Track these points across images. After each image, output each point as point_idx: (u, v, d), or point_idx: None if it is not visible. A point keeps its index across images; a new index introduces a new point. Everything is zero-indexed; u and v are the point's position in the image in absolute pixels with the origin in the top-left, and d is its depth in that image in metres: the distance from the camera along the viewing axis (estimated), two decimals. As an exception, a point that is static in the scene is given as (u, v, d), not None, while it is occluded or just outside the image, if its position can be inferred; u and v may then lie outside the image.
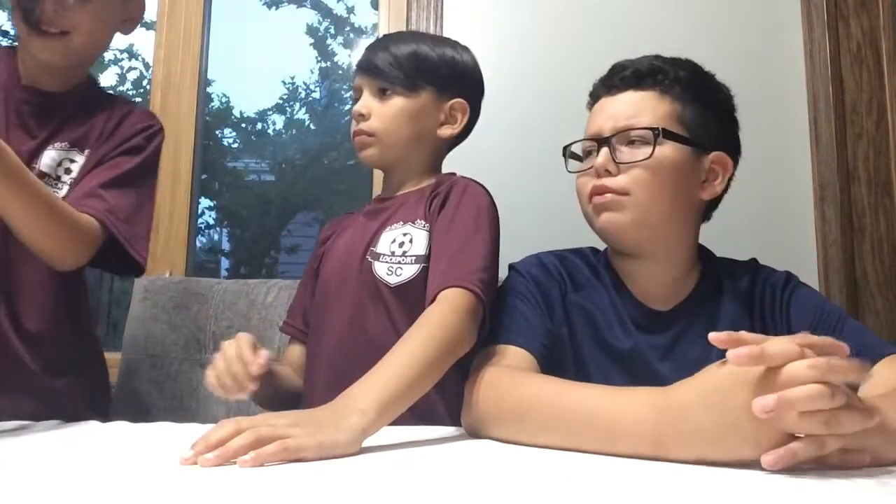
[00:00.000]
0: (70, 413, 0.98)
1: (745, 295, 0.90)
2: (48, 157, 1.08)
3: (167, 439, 0.72)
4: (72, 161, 1.10)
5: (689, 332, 0.88)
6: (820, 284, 1.58)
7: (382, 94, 1.05)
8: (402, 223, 1.01)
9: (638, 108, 0.89)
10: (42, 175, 1.06)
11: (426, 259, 0.96)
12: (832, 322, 0.85)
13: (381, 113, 1.04)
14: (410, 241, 0.99)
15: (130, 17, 1.15)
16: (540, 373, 0.81)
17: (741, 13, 1.68)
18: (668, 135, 0.86)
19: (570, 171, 0.95)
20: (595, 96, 0.96)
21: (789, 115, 1.64)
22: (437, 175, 1.09)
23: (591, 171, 0.90)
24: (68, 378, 1.11)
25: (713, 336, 0.57)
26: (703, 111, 0.90)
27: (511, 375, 0.77)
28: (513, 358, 0.82)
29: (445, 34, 1.70)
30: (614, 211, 0.87)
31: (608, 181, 0.87)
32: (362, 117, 1.05)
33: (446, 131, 1.07)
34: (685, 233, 0.92)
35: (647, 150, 0.86)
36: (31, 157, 1.06)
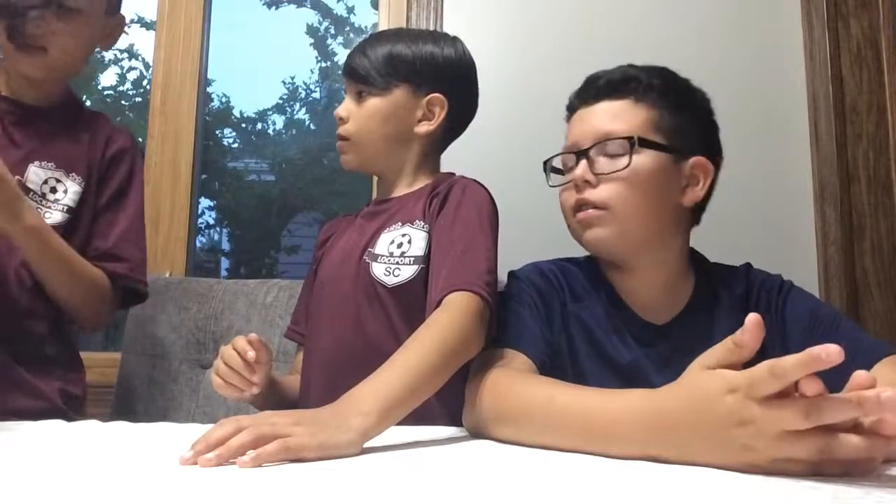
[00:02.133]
0: (43, 408, 1.03)
1: (740, 302, 0.90)
2: (33, 174, 1.12)
3: (167, 439, 0.72)
4: (58, 181, 1.14)
5: (686, 345, 0.87)
6: (820, 284, 1.58)
7: (359, 96, 1.05)
8: (400, 224, 1.01)
9: (614, 117, 0.88)
10: (27, 190, 1.10)
11: (425, 260, 0.96)
12: (827, 325, 0.84)
13: (357, 115, 1.05)
14: (409, 241, 0.98)
15: (111, 33, 1.19)
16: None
17: (741, 13, 1.68)
18: (644, 143, 0.86)
19: (551, 186, 0.95)
20: (571, 108, 0.96)
21: (789, 115, 1.64)
22: (435, 174, 1.08)
23: (571, 185, 0.90)
24: (43, 370, 1.11)
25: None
26: (680, 117, 0.90)
27: (510, 377, 0.78)
28: (513, 362, 0.82)
29: (445, 34, 1.70)
30: (598, 227, 0.88)
31: (589, 194, 0.87)
32: (342, 120, 1.06)
33: (423, 128, 1.05)
34: (672, 239, 0.92)
35: (624, 161, 0.86)
36: (15, 170, 1.09)
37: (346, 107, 1.06)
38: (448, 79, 1.07)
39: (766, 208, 1.59)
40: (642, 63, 0.94)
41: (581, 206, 0.88)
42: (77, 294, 1.10)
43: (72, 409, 1.14)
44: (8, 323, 1.08)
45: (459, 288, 0.84)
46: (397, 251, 0.98)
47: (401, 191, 1.07)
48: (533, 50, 1.70)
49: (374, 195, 1.17)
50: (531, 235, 1.53)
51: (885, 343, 0.82)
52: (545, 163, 0.96)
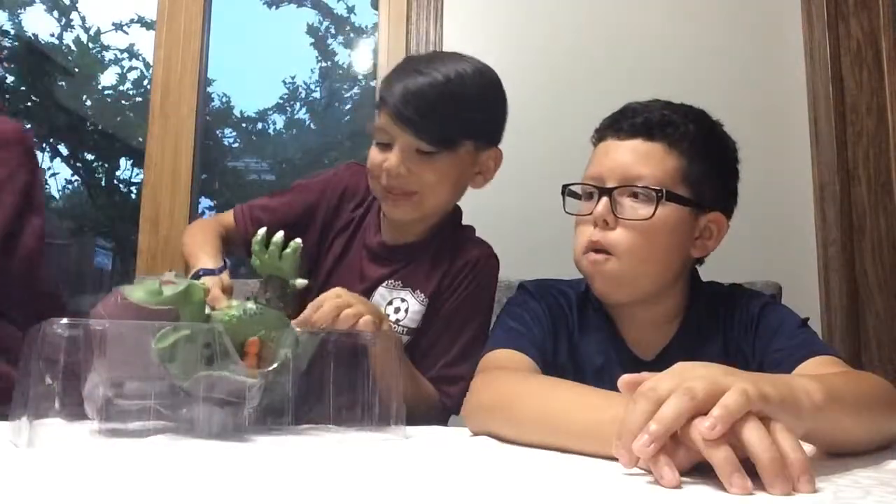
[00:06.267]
0: None
1: (724, 330, 0.91)
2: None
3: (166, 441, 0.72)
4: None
5: None
6: (820, 284, 1.59)
7: (424, 154, 0.94)
8: (401, 285, 1.00)
9: (645, 160, 0.86)
10: None
11: (416, 332, 0.98)
12: (772, 331, 0.86)
13: (423, 176, 0.94)
14: (406, 311, 0.99)
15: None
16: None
17: (741, 13, 1.68)
18: (671, 196, 0.85)
19: (567, 212, 0.93)
20: (601, 135, 0.93)
21: (789, 116, 1.64)
22: (450, 215, 1.04)
23: (589, 218, 0.88)
24: None
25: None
26: (708, 168, 0.89)
27: (509, 376, 0.79)
28: (513, 361, 0.84)
29: (445, 34, 1.70)
30: (606, 276, 0.87)
31: (602, 237, 0.86)
32: (400, 175, 0.94)
33: (479, 181, 1.02)
34: (676, 284, 0.92)
35: (647, 210, 0.85)
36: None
37: (402, 161, 0.93)
38: (501, 130, 1.04)
39: (766, 208, 1.59)
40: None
41: (593, 247, 0.87)
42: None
43: None
44: None
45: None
46: (392, 315, 0.98)
47: (414, 235, 1.03)
48: (532, 50, 1.70)
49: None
50: (526, 241, 1.54)
51: (820, 344, 0.85)
52: (564, 187, 0.93)
